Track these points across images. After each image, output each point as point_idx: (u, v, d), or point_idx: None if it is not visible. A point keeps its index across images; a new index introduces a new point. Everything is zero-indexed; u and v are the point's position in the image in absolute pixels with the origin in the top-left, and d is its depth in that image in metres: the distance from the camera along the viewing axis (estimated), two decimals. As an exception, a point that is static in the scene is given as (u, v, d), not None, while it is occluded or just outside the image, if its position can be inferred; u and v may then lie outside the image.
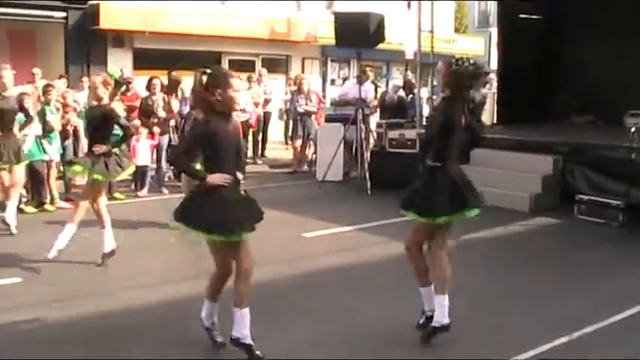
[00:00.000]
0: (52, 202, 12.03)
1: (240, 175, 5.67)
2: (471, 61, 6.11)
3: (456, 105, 6.10)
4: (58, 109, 12.31)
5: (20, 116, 10.72)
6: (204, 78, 5.52)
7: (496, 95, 18.99)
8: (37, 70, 15.43)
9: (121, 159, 8.55)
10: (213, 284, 5.85)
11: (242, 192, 5.77)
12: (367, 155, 14.05)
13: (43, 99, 12.25)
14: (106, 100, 8.53)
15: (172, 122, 14.16)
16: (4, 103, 9.99)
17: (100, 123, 8.47)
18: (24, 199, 11.85)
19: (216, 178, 5.42)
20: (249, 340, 5.49)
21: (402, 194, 6.38)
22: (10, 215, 10.02)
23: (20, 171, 10.29)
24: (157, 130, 13.87)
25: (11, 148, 10.03)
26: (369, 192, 13.36)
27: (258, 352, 5.51)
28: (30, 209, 11.74)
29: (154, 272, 8.20)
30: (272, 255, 8.67)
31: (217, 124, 5.45)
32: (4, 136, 9.98)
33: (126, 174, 9.02)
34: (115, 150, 8.51)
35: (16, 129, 10.58)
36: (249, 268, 5.59)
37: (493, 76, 20.52)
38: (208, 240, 5.59)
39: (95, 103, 8.76)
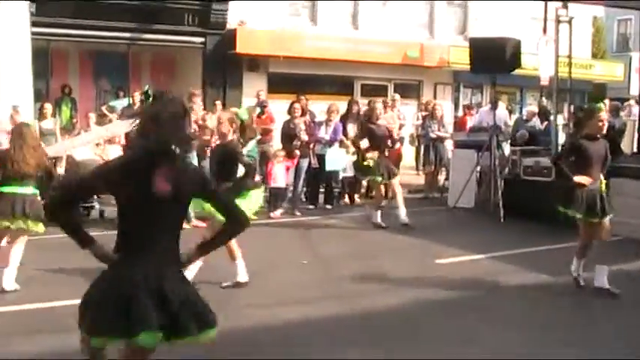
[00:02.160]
0: (187, 220, 12.34)
1: None
2: None
3: None
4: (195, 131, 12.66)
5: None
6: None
7: (637, 123, 18.24)
8: (196, 91, 15.90)
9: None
10: None
11: None
12: (501, 182, 13.76)
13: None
14: (230, 137, 8.64)
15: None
16: None
17: (223, 161, 8.58)
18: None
19: None
20: None
21: None
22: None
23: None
24: (297, 152, 14.02)
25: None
26: (502, 220, 13.07)
27: None
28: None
29: (284, 292, 8.26)
30: (404, 281, 8.61)
31: None
32: None
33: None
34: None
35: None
36: None
37: (633, 103, 19.75)
38: None
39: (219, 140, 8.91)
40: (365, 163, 12.41)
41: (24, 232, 8.57)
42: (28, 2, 11.42)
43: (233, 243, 8.32)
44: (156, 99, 4.09)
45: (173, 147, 4.00)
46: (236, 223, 4.32)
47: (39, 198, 8.55)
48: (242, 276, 8.36)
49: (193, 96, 14.66)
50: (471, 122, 17.67)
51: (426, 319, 7.23)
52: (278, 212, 13.83)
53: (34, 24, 12.07)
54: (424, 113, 18.04)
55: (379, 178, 12.35)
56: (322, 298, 7.95)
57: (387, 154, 12.83)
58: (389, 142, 12.90)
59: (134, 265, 3.92)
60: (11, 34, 11.12)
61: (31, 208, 8.28)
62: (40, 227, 8.54)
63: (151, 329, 3.81)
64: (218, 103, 16.25)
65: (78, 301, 4.06)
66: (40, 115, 13.69)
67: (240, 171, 8.64)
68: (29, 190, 8.45)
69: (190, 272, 8.12)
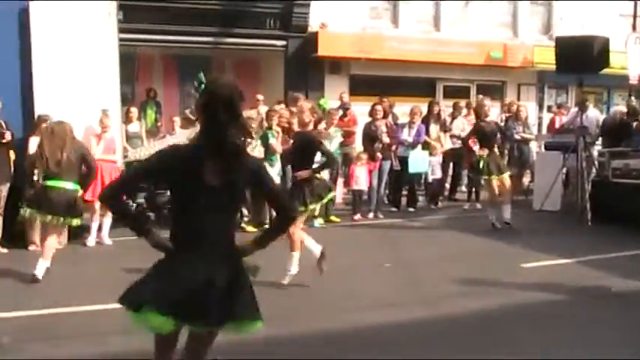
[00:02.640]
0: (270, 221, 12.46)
1: None
2: None
3: None
4: (278, 133, 12.75)
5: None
6: None
7: None
8: (260, 96, 16.13)
9: (320, 187, 8.67)
10: None
11: None
12: (588, 185, 13.41)
13: (265, 123, 12.77)
14: (310, 127, 8.70)
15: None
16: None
17: (302, 149, 8.68)
18: (244, 218, 12.39)
19: None
20: None
21: None
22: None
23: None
24: (379, 155, 13.98)
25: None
26: (589, 223, 12.77)
27: None
28: (250, 228, 12.23)
29: (368, 295, 8.23)
30: (488, 284, 8.50)
31: None
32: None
33: (321, 204, 9.14)
34: (317, 176, 8.66)
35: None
36: None
37: None
38: None
39: (299, 129, 9.00)
40: (479, 161, 12.39)
41: (61, 225, 9.04)
42: (116, 9, 11.61)
43: (296, 236, 8.44)
44: (206, 87, 3.99)
45: (225, 136, 3.89)
46: (285, 218, 4.32)
47: (79, 193, 8.94)
48: (293, 267, 8.45)
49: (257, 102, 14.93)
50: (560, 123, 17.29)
51: (511, 324, 7.10)
52: (359, 215, 13.82)
53: (121, 30, 12.27)
54: (507, 114, 17.76)
55: (493, 176, 12.25)
56: (407, 301, 7.90)
57: (496, 150, 12.81)
58: (498, 139, 12.92)
59: (187, 255, 3.92)
60: (99, 41, 11.36)
61: (69, 202, 8.59)
62: (76, 221, 9.11)
63: (201, 317, 3.84)
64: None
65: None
66: (127, 119, 14.02)
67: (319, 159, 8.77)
68: (69, 185, 8.81)
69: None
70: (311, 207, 8.60)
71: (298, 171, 8.60)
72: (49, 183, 8.87)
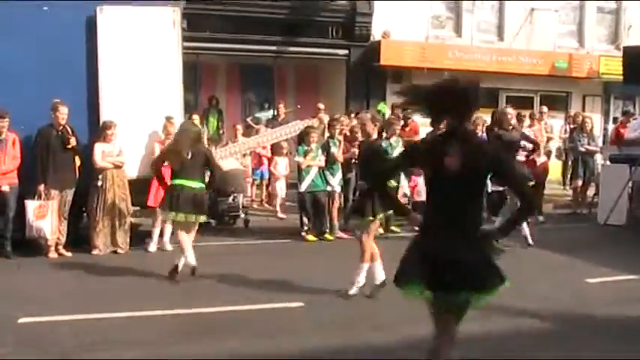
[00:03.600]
0: (331, 231, 12.46)
1: None
2: None
3: None
4: (340, 142, 12.72)
5: (303, 148, 11.39)
6: None
7: None
8: (321, 105, 16.15)
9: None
10: None
11: None
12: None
13: (327, 132, 12.77)
14: (374, 136, 8.66)
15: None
16: None
17: (368, 159, 8.64)
18: (305, 227, 12.40)
19: None
20: None
21: None
22: None
23: None
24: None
25: None
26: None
27: None
28: (311, 237, 12.24)
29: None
30: (553, 300, 8.32)
31: None
32: None
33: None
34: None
35: (299, 159, 11.43)
36: None
37: None
38: None
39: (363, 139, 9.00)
40: None
41: (190, 222, 9.22)
42: (180, 17, 11.73)
43: (367, 246, 8.46)
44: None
45: (464, 126, 4.44)
46: (526, 205, 4.72)
47: (204, 192, 9.21)
48: (361, 278, 8.46)
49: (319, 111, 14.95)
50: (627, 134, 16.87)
51: (576, 340, 6.93)
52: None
53: (184, 38, 12.41)
54: (572, 126, 17.45)
55: None
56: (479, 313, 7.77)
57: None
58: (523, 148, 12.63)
59: (434, 232, 4.49)
60: (163, 49, 11.48)
61: (196, 200, 8.88)
62: (202, 218, 9.48)
63: (446, 288, 4.40)
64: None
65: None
66: (190, 126, 14.11)
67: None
68: (196, 184, 9.09)
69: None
70: (379, 217, 8.55)
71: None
72: (176, 182, 9.24)
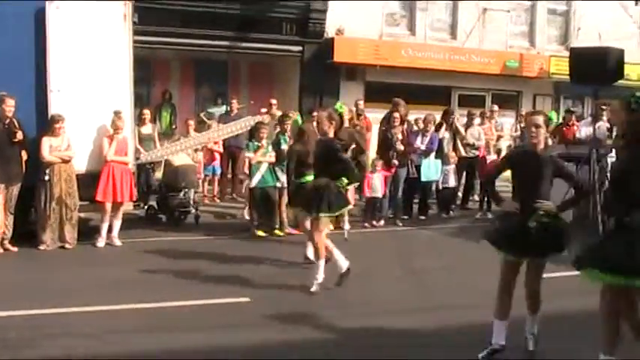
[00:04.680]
0: (281, 227, 12.50)
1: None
2: None
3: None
4: (290, 138, 12.76)
5: (254, 143, 11.44)
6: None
7: None
8: (273, 101, 16.19)
9: (339, 195, 8.74)
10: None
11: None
12: (600, 197, 13.31)
13: (278, 128, 12.80)
14: (331, 135, 8.73)
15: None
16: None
17: (324, 156, 8.75)
18: (255, 223, 12.44)
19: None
20: None
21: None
22: None
23: None
24: (395, 162, 13.94)
25: None
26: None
27: None
28: (260, 233, 12.28)
29: (379, 301, 8.24)
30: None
31: None
32: None
33: (341, 211, 9.50)
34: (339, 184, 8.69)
35: (250, 154, 11.53)
36: None
37: None
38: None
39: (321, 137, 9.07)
40: None
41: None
42: (132, 11, 11.66)
43: (321, 244, 8.68)
44: None
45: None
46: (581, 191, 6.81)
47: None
48: (320, 275, 8.61)
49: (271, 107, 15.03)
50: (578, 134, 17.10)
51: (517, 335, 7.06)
52: (382, 222, 13.81)
53: (137, 32, 12.32)
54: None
55: None
56: (414, 309, 7.90)
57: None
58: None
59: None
60: (114, 42, 11.43)
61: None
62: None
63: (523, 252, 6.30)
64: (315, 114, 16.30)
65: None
66: (140, 121, 14.06)
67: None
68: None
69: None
70: (323, 214, 8.64)
71: (321, 178, 8.70)
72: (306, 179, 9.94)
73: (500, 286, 6.44)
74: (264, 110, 15.56)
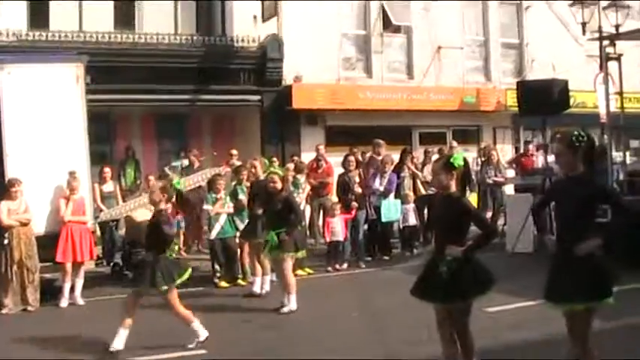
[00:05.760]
0: (244, 277, 12.60)
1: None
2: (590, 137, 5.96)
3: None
4: (248, 188, 12.91)
5: (212, 196, 11.64)
6: None
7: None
8: (234, 152, 16.37)
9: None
10: None
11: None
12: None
13: (235, 179, 12.98)
14: (161, 206, 8.70)
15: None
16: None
17: (151, 228, 8.78)
18: (217, 274, 12.52)
19: None
20: None
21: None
22: None
23: None
24: (354, 205, 14.12)
25: None
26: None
27: None
28: (224, 284, 12.37)
29: (336, 341, 8.36)
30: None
31: None
32: None
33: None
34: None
35: (208, 207, 11.69)
36: None
37: None
38: None
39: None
40: None
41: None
42: (84, 73, 11.84)
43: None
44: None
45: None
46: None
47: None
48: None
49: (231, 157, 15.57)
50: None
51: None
52: (345, 265, 13.95)
53: (93, 92, 12.54)
54: (483, 158, 18.02)
55: None
56: (371, 349, 8.04)
57: None
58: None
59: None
60: (67, 104, 11.61)
61: None
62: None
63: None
64: (274, 159, 16.54)
65: None
66: (101, 179, 14.18)
67: None
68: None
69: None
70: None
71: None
72: None
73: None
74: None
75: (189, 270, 9.08)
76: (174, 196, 8.82)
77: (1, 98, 11.25)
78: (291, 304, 10.14)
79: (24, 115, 11.32)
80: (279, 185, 10.39)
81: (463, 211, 6.29)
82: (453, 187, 6.40)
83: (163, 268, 8.42)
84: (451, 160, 6.39)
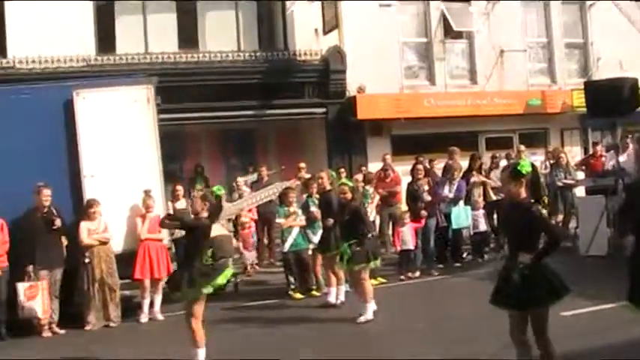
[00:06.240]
0: (317, 288, 12.72)
1: None
2: None
3: None
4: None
5: (284, 209, 11.84)
6: None
7: None
8: (302, 165, 16.51)
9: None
10: None
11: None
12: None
13: (306, 192, 13.13)
14: (203, 215, 8.82)
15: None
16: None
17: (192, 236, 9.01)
18: (292, 286, 12.67)
19: None
20: None
21: None
22: None
23: None
24: (424, 213, 14.16)
25: None
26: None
27: None
28: (298, 295, 12.51)
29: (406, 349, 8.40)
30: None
31: None
32: None
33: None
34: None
35: (281, 220, 11.91)
36: None
37: None
38: None
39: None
40: None
41: None
42: (154, 94, 12.12)
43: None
44: None
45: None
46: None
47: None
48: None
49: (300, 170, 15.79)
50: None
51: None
52: (417, 273, 13.97)
53: (164, 111, 12.86)
54: (552, 161, 17.81)
55: None
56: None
57: None
58: None
59: None
60: (139, 125, 11.91)
61: None
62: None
63: None
64: (342, 170, 16.66)
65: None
66: (173, 197, 14.47)
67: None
68: None
69: None
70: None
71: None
72: None
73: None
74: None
75: (227, 272, 9.39)
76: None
77: (77, 122, 11.61)
78: (368, 313, 10.27)
79: (99, 137, 11.66)
80: (349, 196, 10.60)
81: (533, 219, 6.31)
82: (523, 194, 6.43)
83: (196, 274, 8.52)
84: (518, 167, 6.42)
